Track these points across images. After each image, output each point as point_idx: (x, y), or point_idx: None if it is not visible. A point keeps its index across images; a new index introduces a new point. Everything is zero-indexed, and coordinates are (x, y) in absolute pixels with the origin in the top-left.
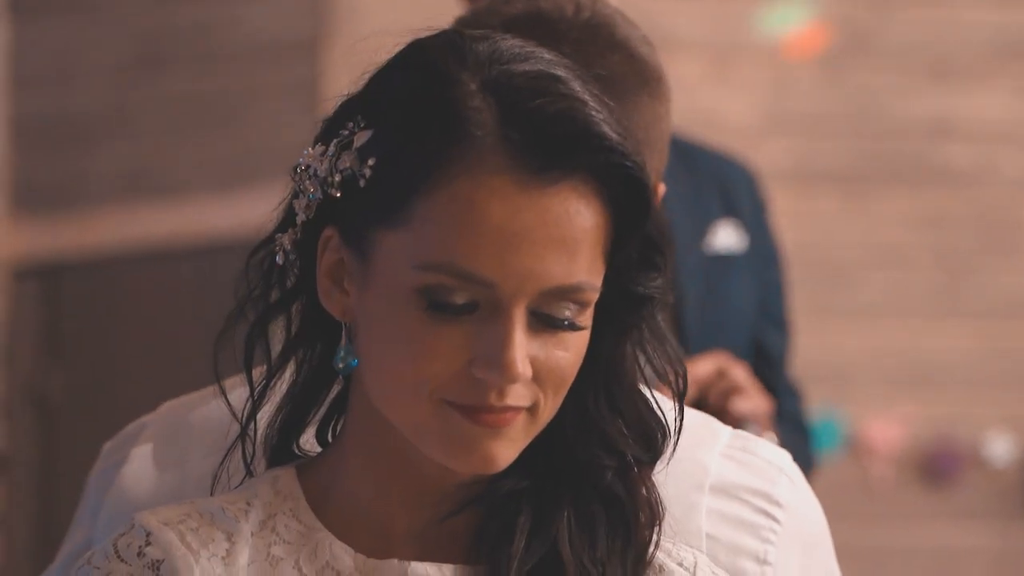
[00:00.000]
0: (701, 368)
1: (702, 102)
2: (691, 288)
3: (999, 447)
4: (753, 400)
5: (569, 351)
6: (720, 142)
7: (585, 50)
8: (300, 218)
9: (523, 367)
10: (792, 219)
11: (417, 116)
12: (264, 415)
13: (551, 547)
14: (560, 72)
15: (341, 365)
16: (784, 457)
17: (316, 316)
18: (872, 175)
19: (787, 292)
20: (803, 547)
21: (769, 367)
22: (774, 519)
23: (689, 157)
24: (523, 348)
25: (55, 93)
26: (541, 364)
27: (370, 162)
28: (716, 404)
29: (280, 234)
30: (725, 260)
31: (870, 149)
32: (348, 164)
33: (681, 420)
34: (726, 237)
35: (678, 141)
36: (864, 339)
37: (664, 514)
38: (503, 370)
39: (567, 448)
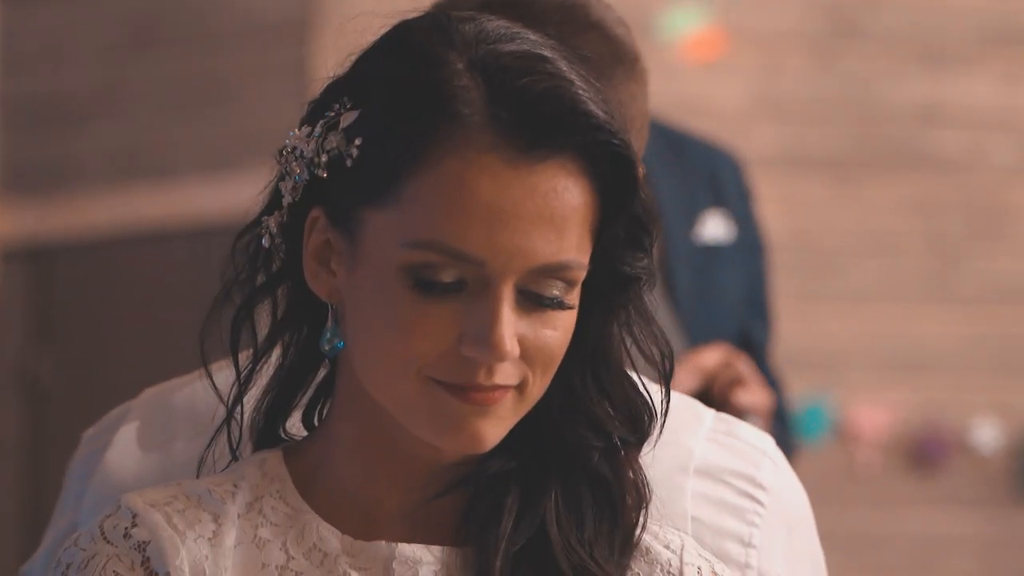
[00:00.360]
0: (708, 358)
1: (692, 88)
2: (683, 278)
3: (986, 434)
4: (756, 393)
5: (557, 330)
6: (710, 128)
7: (560, 31)
8: (286, 200)
9: (511, 345)
10: (782, 205)
11: (404, 96)
12: (250, 399)
13: (539, 528)
14: (547, 52)
15: (327, 347)
16: (767, 441)
17: (302, 298)
18: (862, 161)
19: (770, 282)
20: (787, 530)
21: (753, 357)
22: (758, 502)
23: (677, 145)
24: (511, 326)
25: (46, 74)
26: (530, 343)
27: (357, 142)
28: (720, 395)
29: (266, 216)
30: (714, 251)
31: (860, 135)
32: (335, 144)
33: (667, 402)
34: (715, 227)
35: (666, 129)
36: (853, 325)
37: (651, 496)
38: (491, 348)
39: (554, 429)
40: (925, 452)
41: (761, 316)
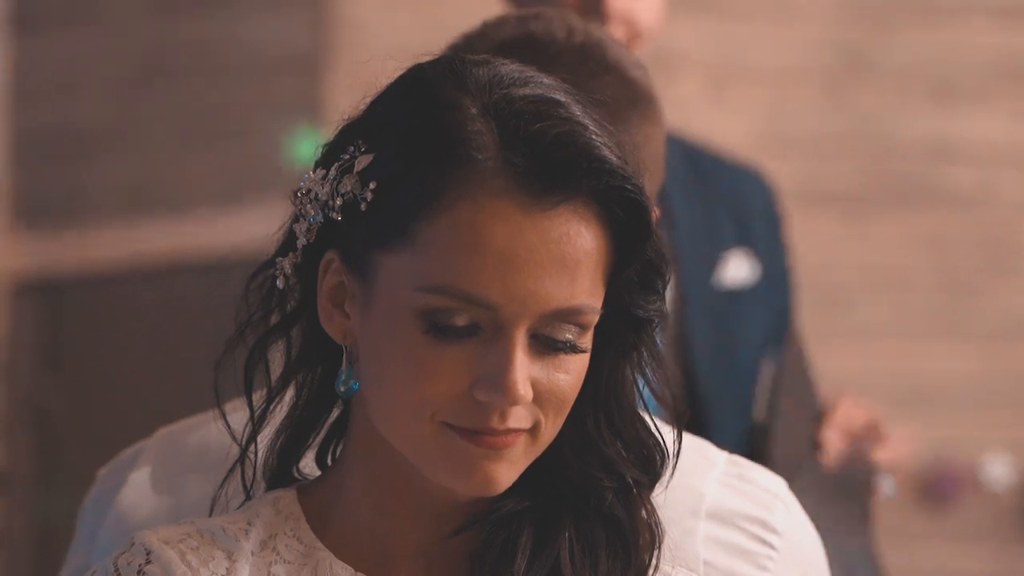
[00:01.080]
0: (855, 420)
1: (701, 123)
2: (699, 328)
3: (998, 470)
4: (893, 450)
5: (570, 374)
6: None
7: (576, 72)
8: (301, 241)
9: (524, 390)
10: (792, 240)
11: (418, 140)
12: (263, 439)
13: (552, 567)
14: (560, 96)
15: (343, 388)
16: (780, 484)
17: (317, 339)
18: (872, 197)
19: (796, 314)
20: (799, 573)
21: None
22: (770, 546)
23: (701, 169)
24: (524, 370)
25: (57, 107)
26: (543, 386)
27: (371, 186)
28: (860, 453)
29: (281, 257)
30: (735, 295)
31: (870, 171)
32: (349, 188)
33: (679, 444)
34: (737, 270)
35: (691, 148)
36: (864, 360)
37: (663, 536)
38: (505, 392)
39: (567, 469)
40: (936, 488)
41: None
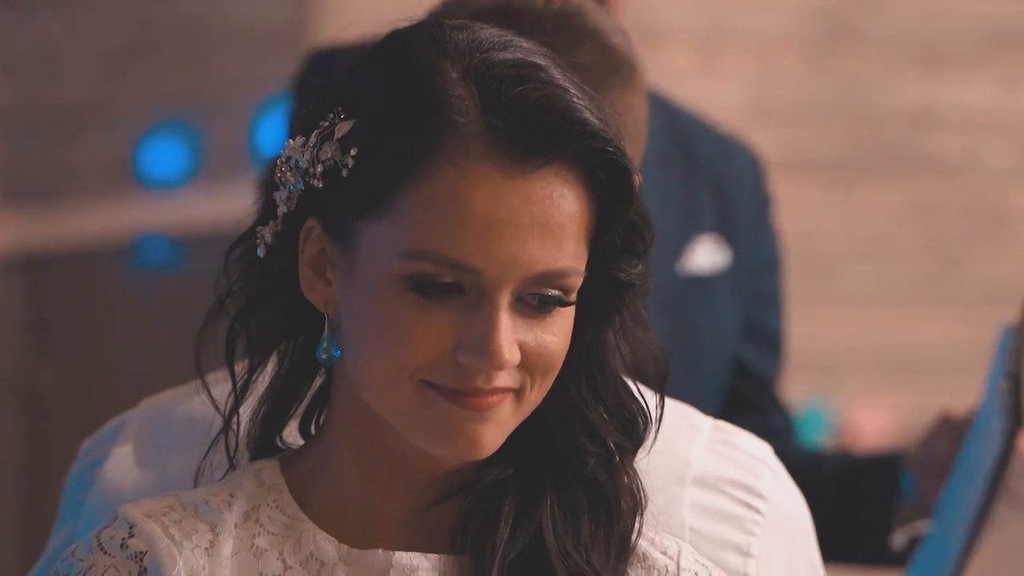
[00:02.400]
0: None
1: (688, 92)
2: (655, 318)
3: None
4: None
5: (557, 335)
6: None
7: (554, 40)
8: (281, 209)
9: (510, 354)
10: (779, 208)
11: (399, 106)
12: (247, 409)
13: (535, 535)
14: (540, 60)
15: (324, 356)
16: (766, 450)
17: (298, 308)
18: (858, 164)
19: (784, 301)
20: (786, 539)
21: (758, 387)
22: (757, 511)
23: (685, 138)
24: (510, 334)
25: (43, 84)
26: (530, 348)
27: (352, 152)
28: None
29: (260, 227)
30: (699, 282)
31: (856, 139)
32: (330, 154)
33: (662, 408)
34: (705, 255)
35: (676, 113)
36: (851, 328)
37: (647, 502)
38: (490, 357)
39: (549, 435)
40: None
41: (767, 343)
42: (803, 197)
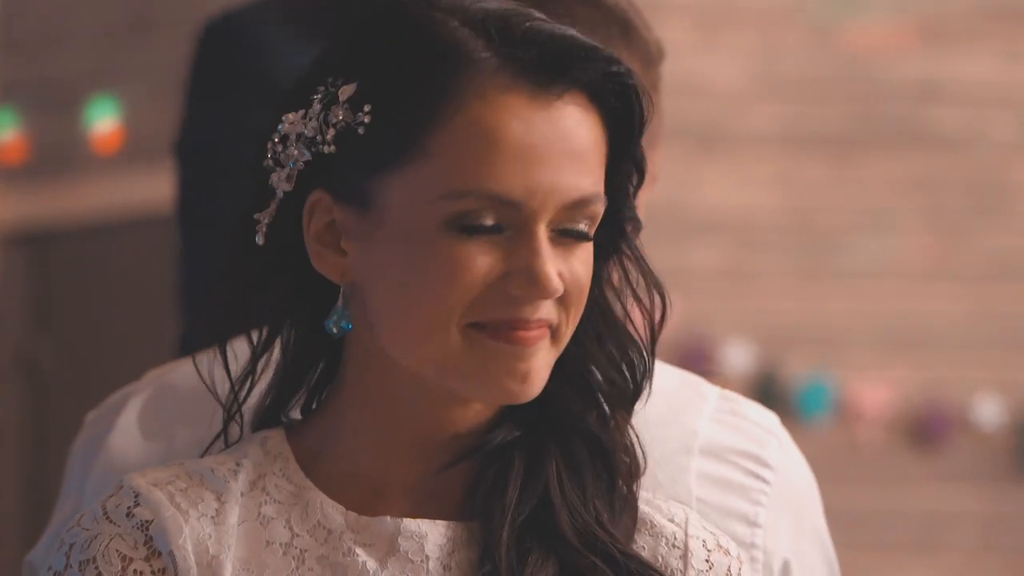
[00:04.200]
0: None
1: (690, 67)
2: None
3: (988, 410)
4: None
5: (584, 264)
6: (707, 106)
7: (546, 5)
8: (281, 190)
9: (558, 281)
10: (780, 183)
11: (410, 55)
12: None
13: (543, 496)
14: (532, 7)
15: (335, 329)
16: (773, 419)
17: (301, 288)
18: (861, 138)
19: None
20: (793, 509)
21: None
22: (764, 481)
23: None
24: (553, 263)
25: (44, 59)
26: (566, 280)
27: (366, 109)
28: None
29: (257, 213)
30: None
31: (859, 112)
32: (341, 116)
33: (654, 345)
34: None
35: None
36: (853, 302)
37: (646, 464)
38: (539, 283)
39: (552, 395)
40: (927, 429)
41: None
42: (805, 172)
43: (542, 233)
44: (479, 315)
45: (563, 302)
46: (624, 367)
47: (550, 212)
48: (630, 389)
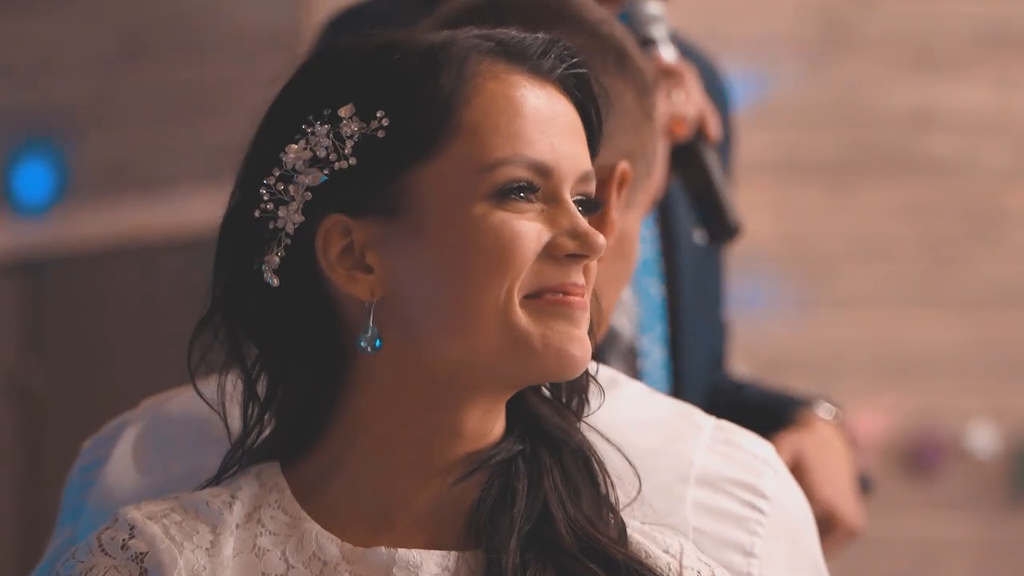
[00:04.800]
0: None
1: None
2: (687, 290)
3: (983, 438)
4: None
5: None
6: None
7: (533, 27)
8: (295, 220)
9: (601, 236)
10: (776, 211)
11: (411, 59)
12: (237, 418)
13: (542, 509)
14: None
15: (368, 348)
16: (768, 449)
17: (312, 319)
18: (855, 166)
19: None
20: (789, 538)
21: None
22: (760, 511)
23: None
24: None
25: (37, 85)
26: None
27: (379, 114)
28: None
29: (265, 256)
30: (710, 251)
31: (853, 140)
32: (355, 128)
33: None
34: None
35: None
36: (848, 330)
37: (640, 486)
38: (588, 240)
39: (536, 407)
40: (922, 457)
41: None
42: (801, 199)
43: (570, 200)
44: (534, 284)
45: (585, 275)
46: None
47: (571, 181)
48: (581, 390)
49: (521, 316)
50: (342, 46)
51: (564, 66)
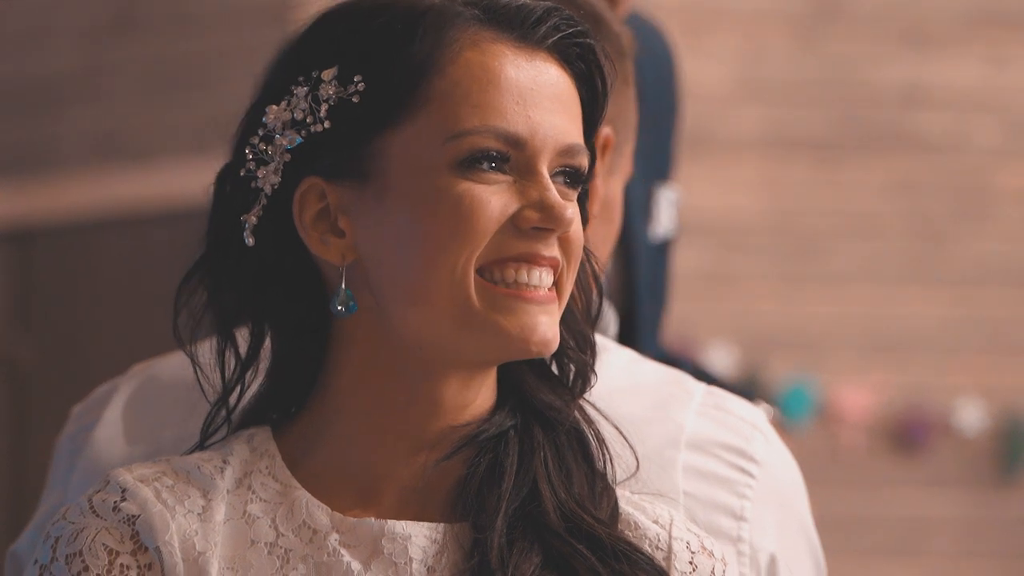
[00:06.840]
0: None
1: None
2: (642, 278)
3: (970, 415)
4: None
5: (578, 218)
6: (691, 110)
7: None
8: (272, 182)
9: (570, 210)
10: (765, 187)
11: (394, 23)
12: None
13: (531, 487)
14: None
15: (342, 309)
16: (758, 414)
17: (293, 282)
18: (845, 143)
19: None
20: (779, 502)
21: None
22: (750, 475)
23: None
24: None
25: (26, 56)
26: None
27: (356, 79)
28: None
29: (243, 215)
30: (665, 245)
31: (843, 117)
32: (332, 92)
33: (595, 323)
34: (668, 219)
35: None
36: (836, 306)
37: (637, 461)
38: (554, 212)
39: (530, 383)
40: (909, 434)
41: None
42: (789, 176)
43: (545, 172)
44: (494, 253)
45: (564, 250)
46: (581, 346)
47: (549, 154)
48: (585, 367)
49: (474, 293)
50: (341, 6)
51: (559, 35)
